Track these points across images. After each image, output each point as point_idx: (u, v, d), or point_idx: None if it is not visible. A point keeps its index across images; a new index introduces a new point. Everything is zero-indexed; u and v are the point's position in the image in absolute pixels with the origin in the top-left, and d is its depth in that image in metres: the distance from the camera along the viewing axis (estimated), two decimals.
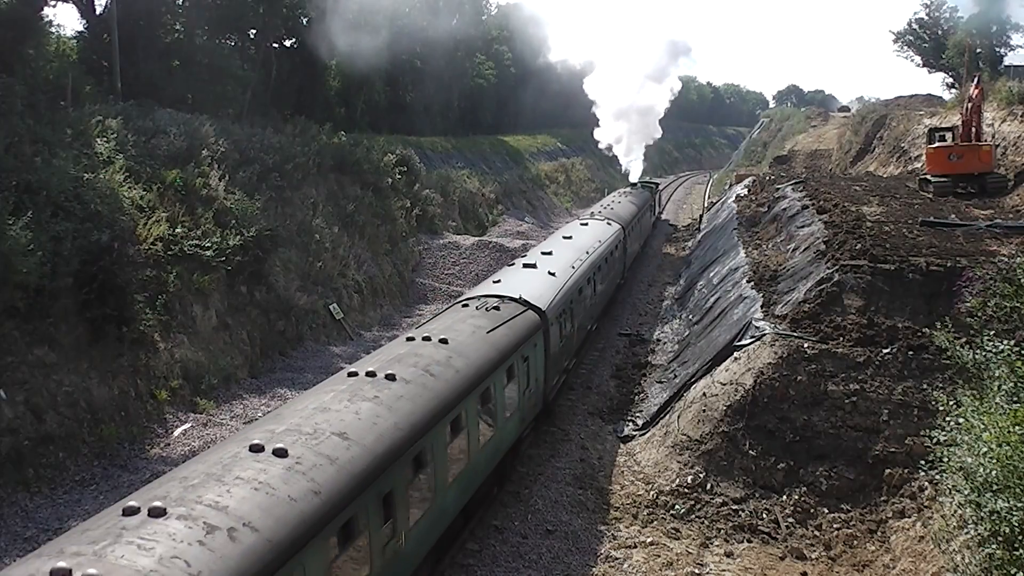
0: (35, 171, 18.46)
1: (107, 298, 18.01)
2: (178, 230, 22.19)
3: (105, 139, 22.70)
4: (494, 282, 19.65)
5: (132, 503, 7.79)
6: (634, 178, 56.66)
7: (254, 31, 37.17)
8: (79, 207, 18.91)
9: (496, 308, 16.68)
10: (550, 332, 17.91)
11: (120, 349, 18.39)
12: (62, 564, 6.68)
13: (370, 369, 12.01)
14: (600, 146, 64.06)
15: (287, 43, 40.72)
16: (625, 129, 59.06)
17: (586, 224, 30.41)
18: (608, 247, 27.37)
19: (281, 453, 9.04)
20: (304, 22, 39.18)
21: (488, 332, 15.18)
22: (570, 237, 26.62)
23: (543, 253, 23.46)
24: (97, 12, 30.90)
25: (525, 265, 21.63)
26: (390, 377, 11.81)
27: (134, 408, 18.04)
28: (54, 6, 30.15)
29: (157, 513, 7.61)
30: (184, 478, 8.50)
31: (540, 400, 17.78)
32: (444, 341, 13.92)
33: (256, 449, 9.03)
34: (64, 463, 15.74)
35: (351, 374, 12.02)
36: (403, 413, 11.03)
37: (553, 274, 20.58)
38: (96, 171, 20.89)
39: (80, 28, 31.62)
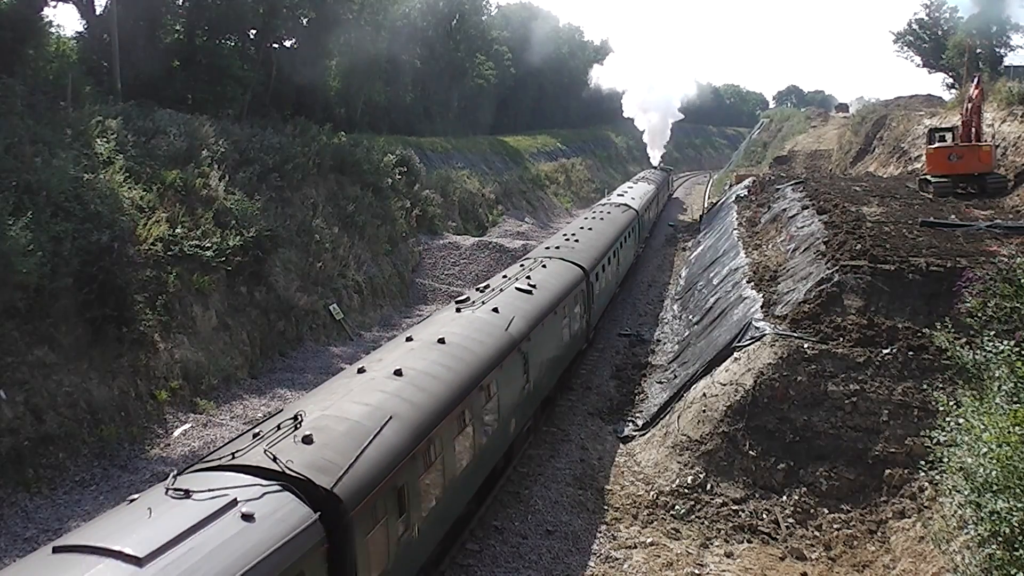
0: (35, 171, 18.45)
1: (107, 298, 18.00)
2: (178, 230, 22.18)
3: (105, 139, 22.69)
4: (605, 197, 46.30)
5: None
6: (655, 163, 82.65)
7: (254, 31, 37.12)
8: (79, 207, 18.91)
9: (617, 206, 37.16)
10: (640, 220, 38.76)
11: (120, 349, 18.38)
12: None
13: (594, 213, 35.43)
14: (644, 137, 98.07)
15: (287, 43, 40.66)
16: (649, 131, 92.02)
17: (637, 182, 54.66)
18: (652, 195, 48.88)
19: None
20: (304, 22, 39.16)
21: (623, 213, 35.55)
22: (632, 186, 51.43)
23: (622, 191, 46.97)
24: (97, 12, 30.87)
25: (618, 195, 44.52)
26: (591, 227, 30.06)
27: (134, 408, 18.03)
28: (54, 6, 30.17)
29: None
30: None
31: (636, 255, 37.70)
32: (608, 213, 34.54)
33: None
34: (64, 463, 15.72)
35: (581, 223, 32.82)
36: (613, 228, 31.00)
37: (634, 199, 41.72)
38: (96, 171, 20.89)
39: (80, 28, 31.64)
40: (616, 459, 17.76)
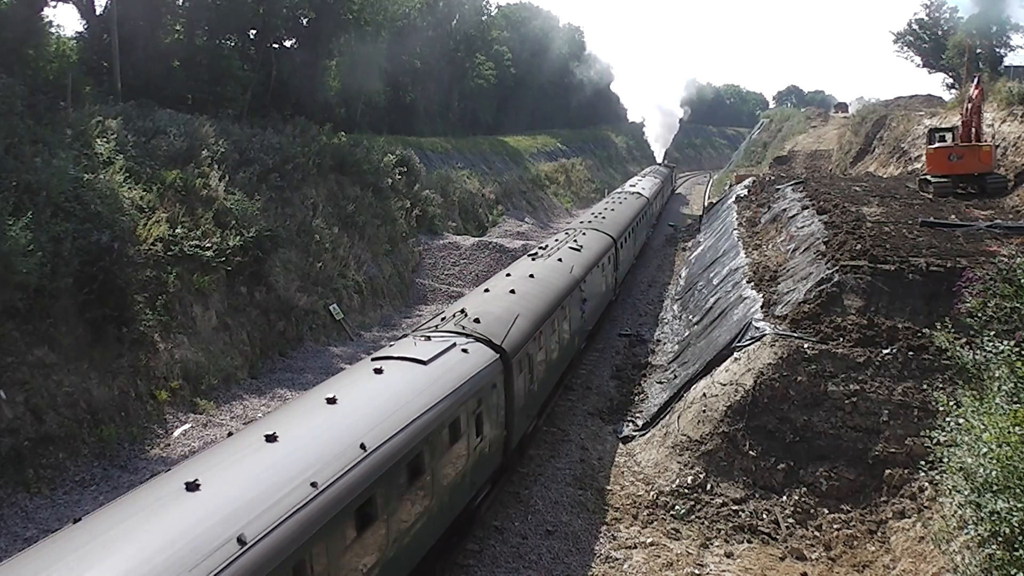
0: (35, 171, 18.45)
1: (107, 298, 17.99)
2: (178, 230, 22.17)
3: (105, 139, 22.68)
4: (612, 193, 52.36)
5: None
6: (659, 159, 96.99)
7: (254, 31, 37.14)
8: (79, 207, 18.90)
9: (632, 194, 44.98)
10: (650, 206, 45.70)
11: (120, 349, 18.37)
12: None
13: (613, 198, 44.44)
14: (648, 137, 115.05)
15: (287, 43, 40.69)
16: (656, 132, 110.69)
17: (645, 176, 61.34)
18: (658, 187, 55.93)
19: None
20: (304, 22, 39.19)
21: (636, 199, 42.69)
22: (641, 179, 58.50)
23: (634, 183, 55.31)
24: (97, 12, 30.88)
25: (631, 185, 53.12)
26: (613, 208, 37.18)
27: (134, 408, 18.02)
28: (54, 6, 30.23)
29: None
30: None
31: (648, 235, 43.95)
32: (625, 199, 42.15)
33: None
34: (64, 463, 15.72)
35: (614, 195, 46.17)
36: (631, 210, 38.25)
37: (644, 187, 49.84)
38: (96, 171, 20.88)
39: (80, 28, 31.65)
40: (616, 459, 17.76)
